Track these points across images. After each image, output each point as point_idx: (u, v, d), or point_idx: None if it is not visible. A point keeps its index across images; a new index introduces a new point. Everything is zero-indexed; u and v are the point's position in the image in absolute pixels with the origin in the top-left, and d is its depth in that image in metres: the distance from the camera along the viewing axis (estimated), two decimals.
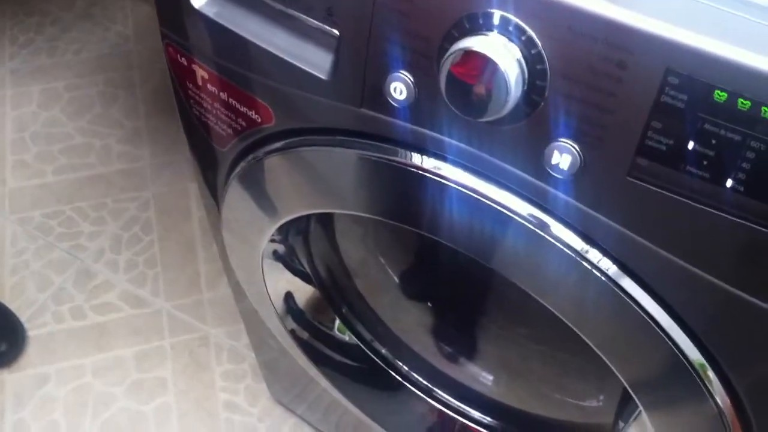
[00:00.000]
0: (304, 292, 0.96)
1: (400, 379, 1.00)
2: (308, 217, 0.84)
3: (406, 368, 1.00)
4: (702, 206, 0.50)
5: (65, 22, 1.90)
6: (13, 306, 1.41)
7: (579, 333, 0.65)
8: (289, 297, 0.95)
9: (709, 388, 0.59)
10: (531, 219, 0.59)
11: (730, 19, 0.46)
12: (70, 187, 1.61)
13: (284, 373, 1.14)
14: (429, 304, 0.99)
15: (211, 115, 0.75)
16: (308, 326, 0.98)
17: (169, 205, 1.59)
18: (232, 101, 0.71)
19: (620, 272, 0.58)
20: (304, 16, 0.61)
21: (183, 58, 0.72)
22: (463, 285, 0.93)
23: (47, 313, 1.43)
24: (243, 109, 0.70)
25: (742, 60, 0.44)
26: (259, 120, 0.70)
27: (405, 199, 0.67)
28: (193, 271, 1.49)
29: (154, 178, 1.62)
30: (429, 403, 0.99)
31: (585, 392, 0.91)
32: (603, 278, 0.58)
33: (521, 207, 0.59)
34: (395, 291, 0.98)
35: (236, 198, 0.79)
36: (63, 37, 1.87)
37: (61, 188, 1.61)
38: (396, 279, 0.97)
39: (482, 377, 0.99)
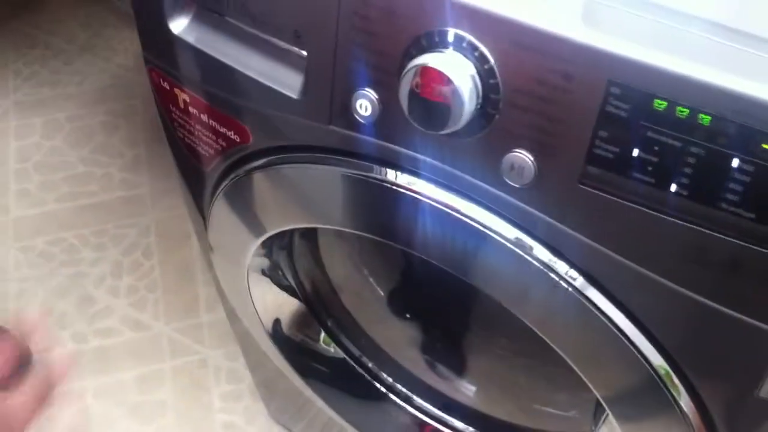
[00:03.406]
0: (290, 306, 0.98)
1: (384, 389, 1.01)
2: (291, 232, 0.86)
3: (390, 379, 1.01)
4: (650, 211, 0.52)
5: (68, 54, 1.95)
6: None
7: (551, 343, 0.66)
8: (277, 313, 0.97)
9: (674, 395, 0.61)
10: (502, 233, 0.61)
11: (667, 31, 0.49)
12: (72, 214, 1.64)
13: (281, 392, 1.16)
14: (413, 317, 1.01)
15: (194, 137, 0.77)
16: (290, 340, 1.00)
17: (169, 231, 1.61)
18: (212, 122, 0.74)
19: (586, 283, 0.60)
20: (275, 39, 0.64)
21: (165, 82, 0.75)
22: (448, 300, 0.94)
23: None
24: (222, 129, 0.73)
25: (679, 70, 0.47)
26: (238, 140, 0.73)
27: (380, 213, 0.69)
28: (192, 295, 1.52)
29: (154, 204, 1.65)
30: (412, 414, 1.01)
31: (569, 403, 0.92)
32: (570, 289, 0.60)
33: (492, 221, 0.61)
34: (381, 306, 1.00)
35: (221, 216, 0.81)
36: (65, 70, 1.91)
37: (63, 216, 1.64)
38: (382, 294, 0.99)
39: (468, 389, 1.00)
